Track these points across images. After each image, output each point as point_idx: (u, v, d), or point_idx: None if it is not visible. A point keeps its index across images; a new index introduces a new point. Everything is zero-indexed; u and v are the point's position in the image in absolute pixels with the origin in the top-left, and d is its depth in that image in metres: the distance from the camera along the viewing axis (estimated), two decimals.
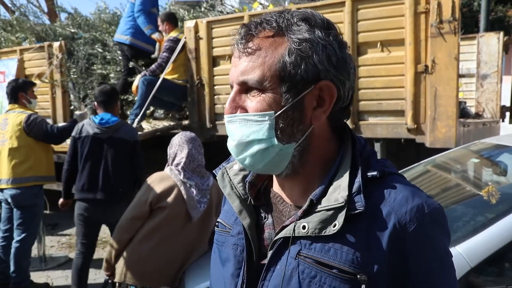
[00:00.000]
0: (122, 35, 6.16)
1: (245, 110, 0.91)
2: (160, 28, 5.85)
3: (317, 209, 0.89)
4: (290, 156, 0.92)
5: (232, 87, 0.94)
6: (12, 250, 4.07)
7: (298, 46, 0.88)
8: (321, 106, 0.92)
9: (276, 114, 0.89)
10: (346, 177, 0.90)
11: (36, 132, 4.13)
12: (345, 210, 0.86)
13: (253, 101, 0.90)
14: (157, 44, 5.99)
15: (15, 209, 4.10)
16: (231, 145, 0.94)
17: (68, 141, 5.08)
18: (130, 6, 6.17)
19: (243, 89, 0.91)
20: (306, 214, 0.91)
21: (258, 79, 0.88)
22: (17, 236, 4.08)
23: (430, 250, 0.86)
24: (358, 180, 0.89)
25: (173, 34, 5.67)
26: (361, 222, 0.87)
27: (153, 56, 6.10)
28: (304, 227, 0.89)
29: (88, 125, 3.81)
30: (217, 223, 1.11)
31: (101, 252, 5.25)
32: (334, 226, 0.86)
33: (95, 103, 4.01)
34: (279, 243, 0.92)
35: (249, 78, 0.89)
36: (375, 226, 0.86)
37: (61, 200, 4.03)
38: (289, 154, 0.92)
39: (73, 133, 3.86)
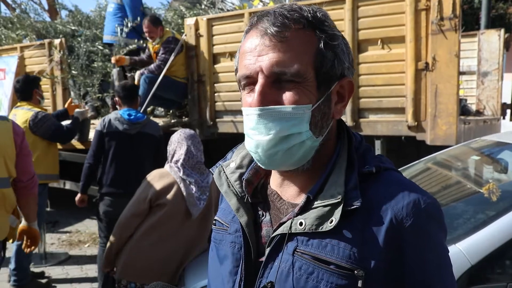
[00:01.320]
0: (114, 36, 6.20)
1: (276, 102, 0.87)
2: (150, 33, 5.60)
3: (314, 206, 0.89)
4: (314, 150, 0.92)
5: (248, 77, 0.90)
6: (14, 248, 4.07)
7: (332, 42, 0.89)
8: (341, 102, 0.94)
9: (313, 107, 0.88)
10: (342, 173, 0.90)
11: (43, 131, 4.11)
12: (341, 206, 0.86)
13: (289, 93, 0.87)
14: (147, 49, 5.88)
15: None
16: (262, 139, 0.88)
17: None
18: (116, 6, 6.23)
19: (273, 80, 0.87)
20: (303, 210, 0.91)
21: (298, 71, 0.86)
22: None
23: (426, 245, 0.86)
24: (354, 176, 0.90)
25: (169, 34, 5.65)
26: (357, 217, 0.87)
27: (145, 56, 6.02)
28: (301, 224, 0.89)
29: (116, 121, 3.82)
30: (214, 221, 1.10)
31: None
32: (331, 222, 0.86)
33: (117, 98, 4.03)
34: (276, 240, 0.92)
35: (287, 69, 0.86)
36: (372, 222, 0.86)
37: (78, 196, 4.02)
38: (315, 148, 0.92)
39: (99, 128, 3.84)
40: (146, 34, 5.68)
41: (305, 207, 0.91)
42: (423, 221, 0.86)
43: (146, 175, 3.75)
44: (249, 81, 0.90)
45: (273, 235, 0.93)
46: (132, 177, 3.74)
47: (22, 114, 4.17)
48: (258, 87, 0.87)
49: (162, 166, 3.83)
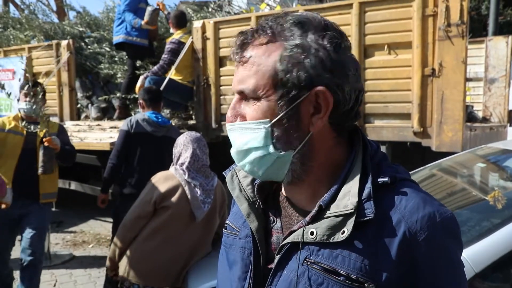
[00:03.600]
0: (116, 36, 6.32)
1: (244, 118, 0.92)
2: (169, 25, 5.99)
3: (326, 215, 0.88)
4: (289, 164, 0.91)
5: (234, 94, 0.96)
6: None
7: (289, 52, 0.87)
8: (318, 113, 0.89)
9: (271, 123, 0.89)
10: (356, 183, 0.88)
11: None
12: (354, 217, 0.84)
13: (250, 109, 0.91)
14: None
15: None
16: (232, 152, 0.95)
17: (78, 137, 5.13)
18: (119, 8, 6.33)
19: (242, 97, 0.92)
20: (314, 219, 0.89)
21: (252, 88, 0.89)
22: None
23: (441, 260, 0.84)
24: (368, 186, 0.87)
25: (176, 36, 5.70)
26: (370, 229, 0.85)
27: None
28: (312, 233, 0.88)
29: (144, 122, 3.85)
30: (225, 225, 1.10)
31: (105, 250, 5.28)
32: (343, 233, 0.85)
33: (141, 101, 4.06)
34: (286, 248, 0.91)
35: (244, 87, 0.90)
36: (385, 234, 0.84)
37: (102, 196, 4.01)
38: (288, 161, 0.90)
39: (125, 128, 3.85)
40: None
41: (317, 216, 0.89)
42: (438, 235, 0.83)
43: None
44: None
45: (283, 243, 0.92)
46: None
47: None
48: (231, 104, 0.95)
49: None
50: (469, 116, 5.73)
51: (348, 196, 0.87)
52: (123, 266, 2.74)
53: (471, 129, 4.71)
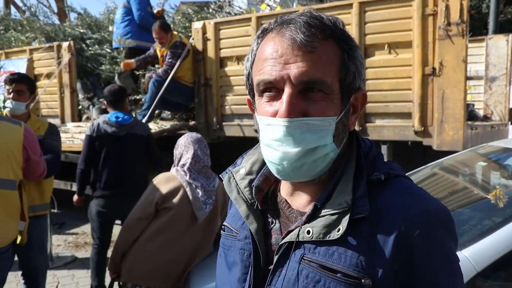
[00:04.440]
0: (121, 39, 6.26)
1: (303, 113, 0.85)
2: (160, 39, 5.64)
3: (321, 214, 0.88)
4: (332, 161, 0.91)
5: (270, 83, 0.87)
6: None
7: (354, 54, 0.89)
8: (354, 113, 0.94)
9: (337, 119, 0.88)
10: (350, 181, 0.89)
11: None
12: (349, 214, 0.85)
13: (316, 104, 0.86)
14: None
15: None
16: (290, 151, 0.86)
17: (79, 138, 5.14)
18: (124, 10, 6.29)
19: (299, 89, 0.85)
20: (311, 219, 0.90)
21: (327, 81, 0.85)
22: None
23: (436, 255, 0.84)
24: (362, 183, 0.88)
25: (177, 38, 5.68)
26: (365, 225, 0.85)
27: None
28: (308, 232, 0.88)
29: (105, 124, 3.89)
30: (223, 227, 1.09)
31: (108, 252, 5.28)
32: (338, 230, 0.85)
33: (105, 102, 4.10)
34: (284, 248, 0.92)
35: (316, 79, 0.84)
36: (380, 230, 0.84)
37: (76, 197, 4.09)
38: (334, 158, 0.91)
39: (88, 132, 3.90)
40: (156, 40, 5.71)
41: (313, 216, 0.90)
42: (433, 230, 0.84)
43: (138, 174, 3.87)
44: (270, 87, 0.88)
45: (281, 242, 0.93)
46: (125, 178, 3.84)
47: None
48: (286, 97, 0.85)
49: (154, 165, 3.98)
50: (470, 115, 5.73)
51: (343, 194, 0.88)
52: (125, 267, 2.74)
53: (472, 127, 4.71)
